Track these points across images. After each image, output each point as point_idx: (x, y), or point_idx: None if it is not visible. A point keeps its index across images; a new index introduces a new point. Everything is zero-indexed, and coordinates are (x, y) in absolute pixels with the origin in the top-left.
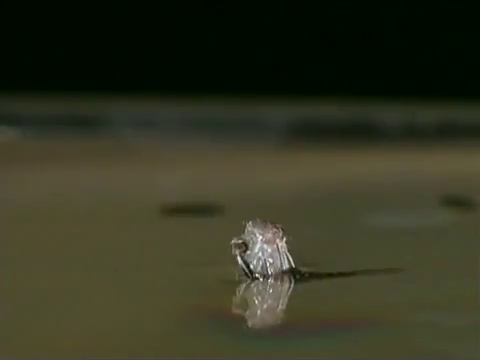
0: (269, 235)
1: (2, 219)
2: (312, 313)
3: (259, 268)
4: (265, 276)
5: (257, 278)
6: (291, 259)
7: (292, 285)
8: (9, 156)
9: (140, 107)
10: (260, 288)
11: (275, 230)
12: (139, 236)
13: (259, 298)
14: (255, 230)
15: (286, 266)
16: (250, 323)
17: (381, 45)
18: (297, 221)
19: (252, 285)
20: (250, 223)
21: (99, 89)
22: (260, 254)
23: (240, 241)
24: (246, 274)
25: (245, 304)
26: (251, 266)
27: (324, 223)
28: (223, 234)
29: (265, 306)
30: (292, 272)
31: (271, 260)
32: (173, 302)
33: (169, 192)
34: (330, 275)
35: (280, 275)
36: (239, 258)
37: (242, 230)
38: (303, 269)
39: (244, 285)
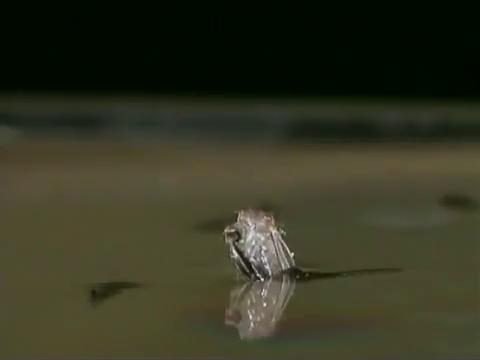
0: (262, 223)
1: (2, 219)
2: (312, 313)
3: (252, 257)
4: (260, 267)
5: (253, 270)
6: (286, 246)
7: (292, 285)
8: (9, 156)
9: (140, 107)
10: (260, 288)
11: (267, 218)
12: (139, 236)
13: (259, 298)
14: (247, 219)
15: (281, 253)
16: (250, 323)
17: (381, 45)
18: (297, 221)
19: (252, 285)
20: (242, 212)
21: (99, 89)
22: (253, 242)
23: (233, 230)
24: (241, 266)
25: (245, 304)
26: (245, 254)
27: (324, 223)
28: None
29: (265, 306)
30: (292, 272)
31: (265, 248)
32: (172, 302)
33: (169, 192)
34: (330, 275)
35: (280, 275)
36: (232, 247)
37: (234, 219)
38: (303, 269)
39: (244, 285)
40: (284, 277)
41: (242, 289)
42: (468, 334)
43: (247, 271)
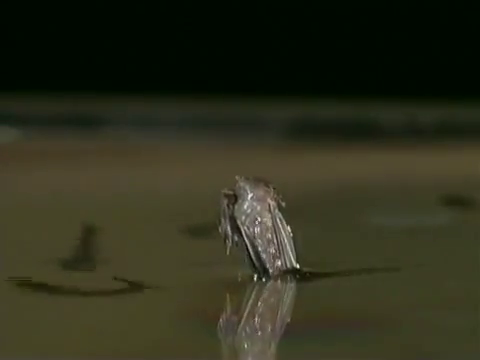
0: (260, 193)
1: (1, 219)
2: (312, 313)
3: (246, 226)
4: (250, 240)
5: (243, 239)
6: (281, 217)
7: (292, 285)
8: (9, 156)
9: (140, 107)
10: (260, 288)
11: (267, 188)
12: (139, 235)
13: (259, 298)
14: (246, 186)
15: (278, 225)
16: (250, 323)
17: (381, 45)
18: (297, 221)
19: (252, 285)
20: (242, 178)
21: (99, 89)
22: (249, 211)
23: (231, 192)
24: (226, 234)
25: (245, 304)
26: (238, 222)
27: (324, 223)
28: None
29: (265, 306)
30: (293, 272)
31: (260, 218)
32: (172, 303)
33: (168, 192)
34: (330, 275)
35: (280, 275)
36: (226, 209)
37: (234, 184)
38: (304, 269)
39: (244, 285)
40: (284, 277)
41: (242, 289)
42: (468, 334)
43: (230, 238)
